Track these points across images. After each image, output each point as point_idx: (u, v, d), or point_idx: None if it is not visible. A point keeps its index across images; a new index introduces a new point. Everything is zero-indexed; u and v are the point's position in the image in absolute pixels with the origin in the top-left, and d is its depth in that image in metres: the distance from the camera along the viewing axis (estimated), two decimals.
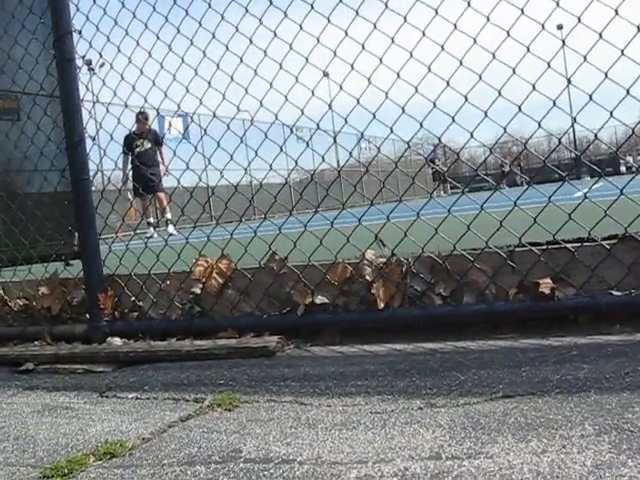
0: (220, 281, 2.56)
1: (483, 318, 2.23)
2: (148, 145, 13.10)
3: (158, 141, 13.13)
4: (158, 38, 2.65)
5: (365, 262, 2.34)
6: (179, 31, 2.63)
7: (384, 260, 2.33)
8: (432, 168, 30.56)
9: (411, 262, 2.30)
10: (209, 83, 2.58)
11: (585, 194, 2.12)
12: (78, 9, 2.95)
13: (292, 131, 2.47)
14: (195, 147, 2.86)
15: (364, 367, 2.00)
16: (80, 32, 2.90)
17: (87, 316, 2.77)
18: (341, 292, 2.36)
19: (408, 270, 2.30)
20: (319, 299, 2.37)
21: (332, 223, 2.36)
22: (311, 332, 2.40)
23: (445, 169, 29.42)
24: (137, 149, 12.90)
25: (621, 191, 2.12)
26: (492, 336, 2.15)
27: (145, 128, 12.05)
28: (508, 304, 2.20)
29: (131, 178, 11.57)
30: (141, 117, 10.35)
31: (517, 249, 2.23)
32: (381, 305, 2.28)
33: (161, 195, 13.35)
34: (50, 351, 2.63)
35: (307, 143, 2.52)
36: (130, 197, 8.52)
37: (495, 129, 2.25)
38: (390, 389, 1.75)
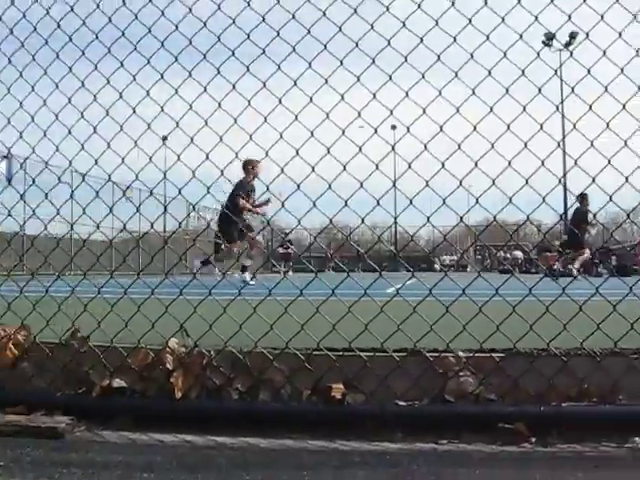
0: (16, 353, 2.48)
1: (277, 416, 2.29)
2: None
3: None
4: None
5: (167, 350, 2.36)
6: None
7: (186, 350, 2.36)
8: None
9: (213, 355, 2.35)
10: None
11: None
12: None
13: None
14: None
15: (153, 458, 1.99)
16: None
17: None
18: (140, 378, 2.36)
19: (209, 362, 2.34)
20: (117, 382, 2.35)
21: (139, 307, 2.38)
22: (105, 416, 2.35)
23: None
24: None
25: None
26: (284, 435, 2.21)
27: None
28: (301, 405, 2.29)
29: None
30: None
31: (315, 352, 2.35)
32: (178, 395, 2.30)
33: None
34: None
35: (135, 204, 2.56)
36: None
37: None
38: None
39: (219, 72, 2.41)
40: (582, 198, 13.84)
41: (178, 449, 2.11)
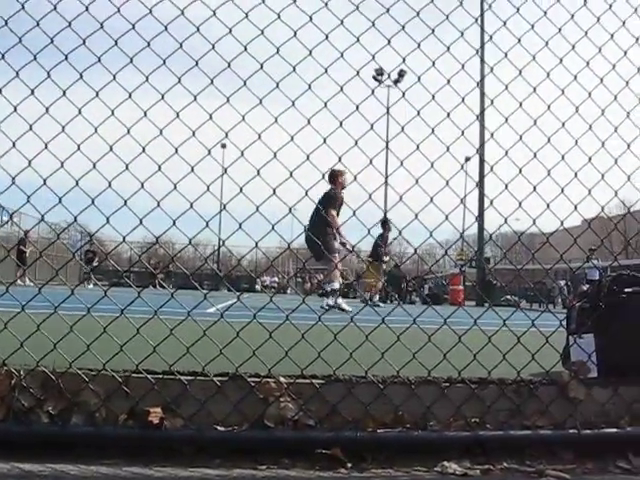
0: None
1: (90, 441, 2.19)
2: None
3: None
4: None
5: None
6: None
7: None
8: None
9: (22, 375, 2.20)
10: None
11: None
12: None
13: None
14: None
15: None
16: None
17: None
18: None
19: (18, 383, 2.20)
20: None
21: None
22: None
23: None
24: None
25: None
26: (97, 461, 2.11)
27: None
28: (117, 429, 2.20)
29: None
30: None
31: (133, 374, 2.27)
32: None
33: None
34: None
35: None
36: None
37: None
38: None
39: (48, 71, 2.29)
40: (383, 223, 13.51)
41: None
